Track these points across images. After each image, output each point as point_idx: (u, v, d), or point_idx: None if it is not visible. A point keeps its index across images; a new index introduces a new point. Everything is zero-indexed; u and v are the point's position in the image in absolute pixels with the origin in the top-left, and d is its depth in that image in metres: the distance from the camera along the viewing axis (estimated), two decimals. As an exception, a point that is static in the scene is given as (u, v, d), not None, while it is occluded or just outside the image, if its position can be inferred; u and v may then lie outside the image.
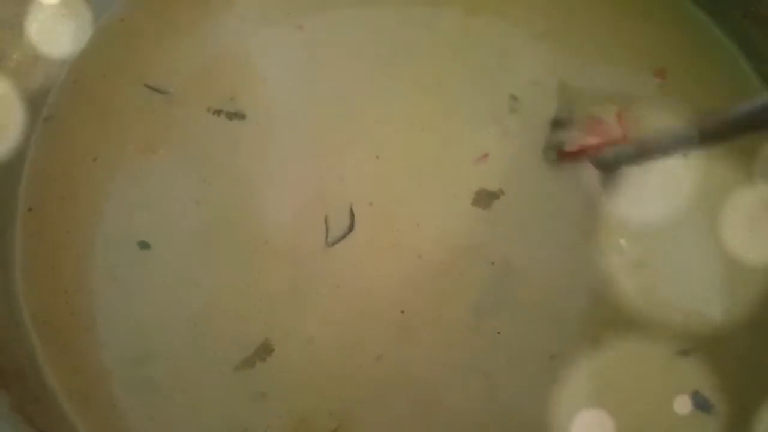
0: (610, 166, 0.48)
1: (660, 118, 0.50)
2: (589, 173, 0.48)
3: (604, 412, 0.44)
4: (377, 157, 0.49)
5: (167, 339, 0.45)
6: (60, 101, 0.51)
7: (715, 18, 0.54)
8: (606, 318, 0.45)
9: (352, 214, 0.47)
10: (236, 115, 0.50)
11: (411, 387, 0.44)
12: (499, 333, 0.45)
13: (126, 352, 0.44)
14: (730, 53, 0.53)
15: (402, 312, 0.46)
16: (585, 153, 0.49)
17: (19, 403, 0.38)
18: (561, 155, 0.49)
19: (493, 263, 0.47)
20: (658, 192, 0.48)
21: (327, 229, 0.47)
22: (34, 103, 0.50)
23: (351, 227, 0.47)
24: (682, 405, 0.44)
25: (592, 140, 0.49)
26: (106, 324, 0.45)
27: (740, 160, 0.48)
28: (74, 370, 0.44)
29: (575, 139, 0.49)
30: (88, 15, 0.52)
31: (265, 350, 0.45)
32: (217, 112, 0.50)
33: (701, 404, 0.44)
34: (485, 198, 0.48)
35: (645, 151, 0.44)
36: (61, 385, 0.43)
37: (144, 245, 0.47)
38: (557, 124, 0.50)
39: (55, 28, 0.50)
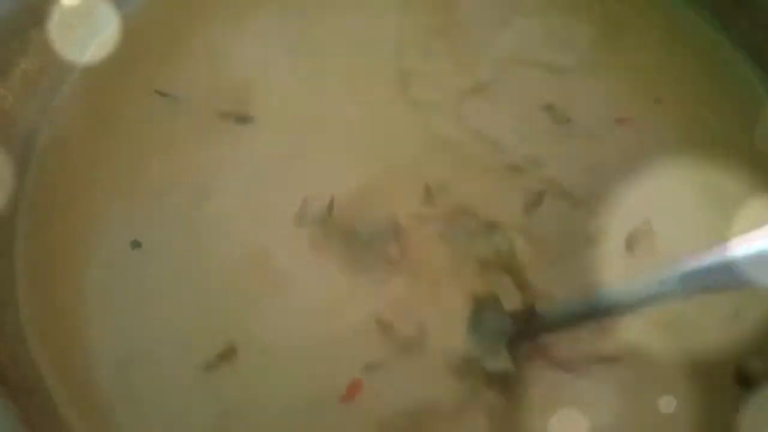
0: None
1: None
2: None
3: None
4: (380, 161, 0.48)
5: (152, 347, 0.43)
6: (65, 107, 0.50)
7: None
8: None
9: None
10: (244, 119, 0.49)
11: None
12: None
13: (114, 359, 0.42)
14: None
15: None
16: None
17: (25, 415, 0.36)
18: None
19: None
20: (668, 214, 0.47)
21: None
22: (40, 106, 0.49)
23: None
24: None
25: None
26: (100, 333, 0.43)
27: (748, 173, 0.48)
28: (74, 381, 0.41)
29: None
30: (100, 22, 0.51)
31: (231, 353, 0.43)
32: (225, 116, 0.49)
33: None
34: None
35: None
36: (62, 395, 0.41)
37: (136, 244, 0.45)
38: None
39: (65, 36, 0.50)
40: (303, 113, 0.50)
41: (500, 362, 0.42)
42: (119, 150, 0.48)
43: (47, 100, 0.49)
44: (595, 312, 0.39)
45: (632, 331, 0.43)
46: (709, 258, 0.33)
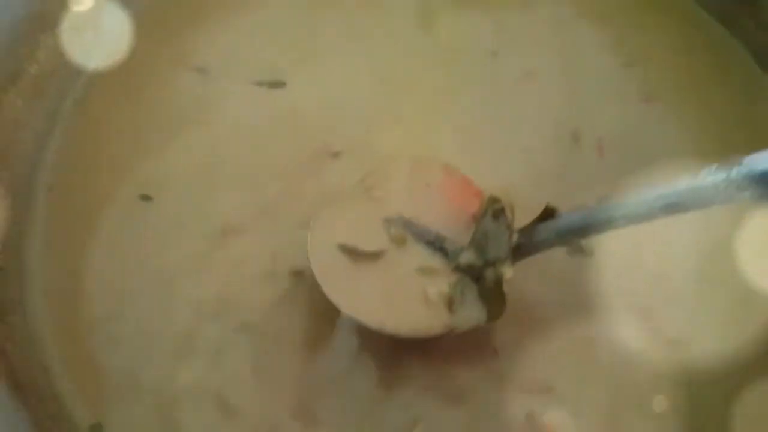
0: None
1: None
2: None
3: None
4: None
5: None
6: (74, 112, 0.50)
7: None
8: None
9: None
10: (276, 84, 0.51)
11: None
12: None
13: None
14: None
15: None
16: None
17: (36, 419, 0.37)
18: None
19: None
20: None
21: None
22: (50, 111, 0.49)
23: None
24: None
25: None
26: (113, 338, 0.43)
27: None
28: (85, 386, 0.42)
29: None
30: (109, 27, 0.52)
31: None
32: (259, 84, 0.51)
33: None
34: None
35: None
36: (74, 400, 0.41)
37: (146, 198, 0.47)
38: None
39: (75, 41, 0.50)
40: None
41: (498, 273, 0.40)
42: (126, 152, 0.49)
43: (56, 104, 0.50)
44: (599, 224, 0.39)
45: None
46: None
